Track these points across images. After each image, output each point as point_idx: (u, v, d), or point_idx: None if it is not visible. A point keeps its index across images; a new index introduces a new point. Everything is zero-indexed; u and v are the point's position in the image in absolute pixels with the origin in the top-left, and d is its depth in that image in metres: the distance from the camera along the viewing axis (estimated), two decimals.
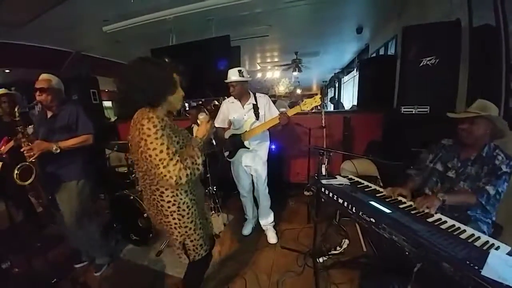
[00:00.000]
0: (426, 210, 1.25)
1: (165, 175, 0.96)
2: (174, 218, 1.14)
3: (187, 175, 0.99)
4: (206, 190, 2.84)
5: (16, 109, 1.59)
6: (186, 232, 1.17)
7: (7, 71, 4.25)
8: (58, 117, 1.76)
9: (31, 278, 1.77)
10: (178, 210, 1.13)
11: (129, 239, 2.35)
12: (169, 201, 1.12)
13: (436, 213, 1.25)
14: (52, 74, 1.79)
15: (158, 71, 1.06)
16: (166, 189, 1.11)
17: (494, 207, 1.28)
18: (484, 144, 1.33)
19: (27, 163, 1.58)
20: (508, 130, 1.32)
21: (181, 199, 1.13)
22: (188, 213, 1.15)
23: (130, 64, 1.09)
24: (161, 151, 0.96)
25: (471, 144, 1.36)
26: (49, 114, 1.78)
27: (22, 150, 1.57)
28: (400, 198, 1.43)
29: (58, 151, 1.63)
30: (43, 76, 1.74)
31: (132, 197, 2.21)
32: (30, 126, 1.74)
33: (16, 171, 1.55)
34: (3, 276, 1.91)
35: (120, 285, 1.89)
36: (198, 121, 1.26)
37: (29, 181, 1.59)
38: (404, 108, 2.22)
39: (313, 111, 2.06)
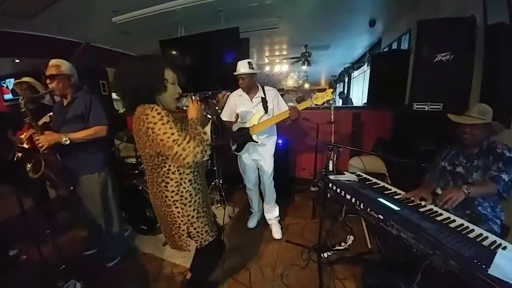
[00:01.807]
0: (449, 203, 1.23)
1: (180, 154, 0.99)
2: (177, 207, 1.17)
3: (201, 151, 1.03)
4: (213, 183, 2.86)
5: (20, 100, 1.50)
6: (188, 220, 1.20)
7: (17, 61, 4.30)
8: (72, 105, 1.69)
9: (39, 265, 1.79)
10: (181, 199, 1.16)
11: (137, 228, 2.40)
12: (172, 191, 1.15)
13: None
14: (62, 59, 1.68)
15: (145, 70, 1.08)
16: (171, 179, 1.13)
17: (509, 194, 1.31)
18: (483, 140, 1.42)
19: (36, 156, 1.56)
20: (503, 129, 1.41)
21: (184, 188, 1.16)
22: (190, 201, 1.18)
23: (122, 65, 1.12)
24: (173, 133, 1.00)
25: (473, 144, 1.44)
26: (65, 102, 1.72)
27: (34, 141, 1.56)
28: (421, 202, 1.39)
29: (68, 142, 1.58)
30: (52, 62, 1.64)
31: (140, 187, 2.25)
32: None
33: (29, 165, 1.54)
34: (12, 263, 1.96)
35: (127, 273, 1.94)
36: (184, 107, 1.26)
37: (39, 173, 1.56)
38: (416, 104, 2.16)
39: (323, 105, 2.03)
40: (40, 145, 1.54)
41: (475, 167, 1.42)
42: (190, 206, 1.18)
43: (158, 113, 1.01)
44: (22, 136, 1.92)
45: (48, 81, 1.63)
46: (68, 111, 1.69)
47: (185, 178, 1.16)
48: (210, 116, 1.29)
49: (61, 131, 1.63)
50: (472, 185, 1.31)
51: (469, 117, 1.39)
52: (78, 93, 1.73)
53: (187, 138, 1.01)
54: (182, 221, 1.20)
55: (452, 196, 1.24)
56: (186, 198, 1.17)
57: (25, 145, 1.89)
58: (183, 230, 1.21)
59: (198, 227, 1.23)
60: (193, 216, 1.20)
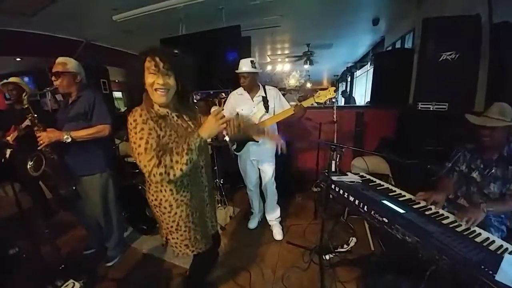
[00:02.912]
0: (469, 224, 1.16)
1: (142, 169, 0.95)
2: (157, 212, 1.15)
3: (160, 173, 0.92)
4: (213, 183, 2.83)
5: (23, 96, 1.49)
6: (168, 228, 1.15)
7: (18, 59, 4.30)
8: (76, 103, 1.66)
9: (39, 264, 1.78)
10: (159, 206, 1.12)
11: (137, 228, 2.38)
12: (152, 195, 1.12)
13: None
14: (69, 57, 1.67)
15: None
16: (153, 182, 1.08)
17: None
18: (504, 144, 1.33)
19: (37, 154, 1.54)
20: None
21: (164, 196, 1.09)
22: (170, 212, 1.11)
23: None
24: (139, 145, 0.94)
25: (492, 147, 1.35)
26: (70, 101, 1.70)
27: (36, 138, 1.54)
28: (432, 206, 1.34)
29: (69, 140, 1.56)
30: (59, 59, 1.64)
31: (140, 187, 2.23)
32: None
33: (30, 163, 1.52)
34: (12, 262, 1.94)
35: (127, 273, 1.92)
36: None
37: (40, 172, 1.55)
38: (421, 104, 2.12)
39: (326, 103, 1.99)
40: (41, 142, 1.53)
41: (492, 176, 1.34)
42: (169, 217, 1.12)
43: (134, 120, 0.96)
44: (9, 138, 1.89)
45: (53, 78, 1.62)
46: (72, 109, 1.67)
47: (166, 186, 1.07)
48: (227, 139, 1.05)
49: (63, 129, 1.61)
50: (492, 202, 1.26)
51: (490, 119, 1.29)
52: (83, 91, 1.70)
53: (150, 154, 0.93)
54: (162, 226, 1.18)
55: (471, 216, 1.18)
56: (165, 208, 1.10)
57: (11, 142, 1.88)
58: (163, 233, 1.19)
59: (177, 238, 1.16)
60: (171, 226, 1.14)
